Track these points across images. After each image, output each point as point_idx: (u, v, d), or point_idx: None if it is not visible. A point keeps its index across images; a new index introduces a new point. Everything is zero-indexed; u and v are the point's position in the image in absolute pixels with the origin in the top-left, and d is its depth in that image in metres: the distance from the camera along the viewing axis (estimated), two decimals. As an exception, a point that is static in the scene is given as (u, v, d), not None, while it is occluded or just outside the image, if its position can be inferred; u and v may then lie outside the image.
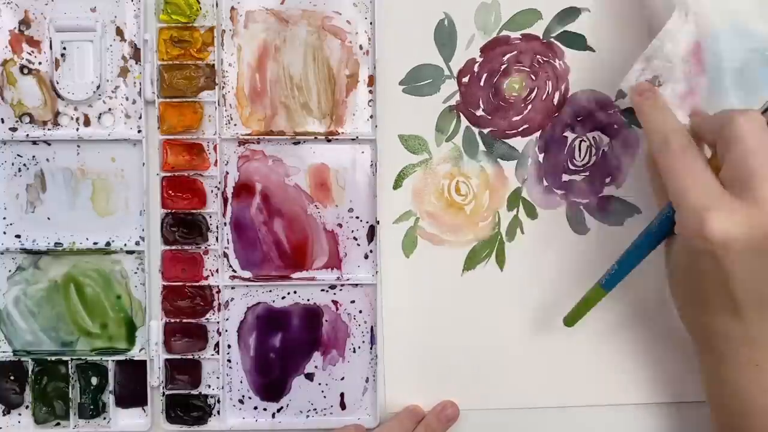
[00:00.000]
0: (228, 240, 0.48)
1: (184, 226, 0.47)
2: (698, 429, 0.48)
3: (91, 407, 0.48)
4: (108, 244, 0.48)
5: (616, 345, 0.48)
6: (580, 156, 0.48)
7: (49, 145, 0.47)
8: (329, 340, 0.48)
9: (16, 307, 0.48)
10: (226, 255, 0.48)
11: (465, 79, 0.47)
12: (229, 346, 0.48)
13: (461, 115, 0.47)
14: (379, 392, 0.48)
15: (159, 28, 0.46)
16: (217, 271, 0.47)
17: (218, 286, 0.47)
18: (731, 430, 0.41)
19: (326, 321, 0.48)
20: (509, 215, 0.48)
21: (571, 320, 0.45)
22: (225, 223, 0.47)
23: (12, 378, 0.48)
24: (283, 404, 0.48)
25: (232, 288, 0.48)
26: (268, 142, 0.47)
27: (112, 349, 0.48)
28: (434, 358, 0.48)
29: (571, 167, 0.48)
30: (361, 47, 0.47)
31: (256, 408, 0.48)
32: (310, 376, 0.48)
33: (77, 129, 0.47)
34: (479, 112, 0.48)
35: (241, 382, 0.48)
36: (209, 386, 0.48)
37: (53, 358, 0.47)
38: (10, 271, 0.48)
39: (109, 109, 0.47)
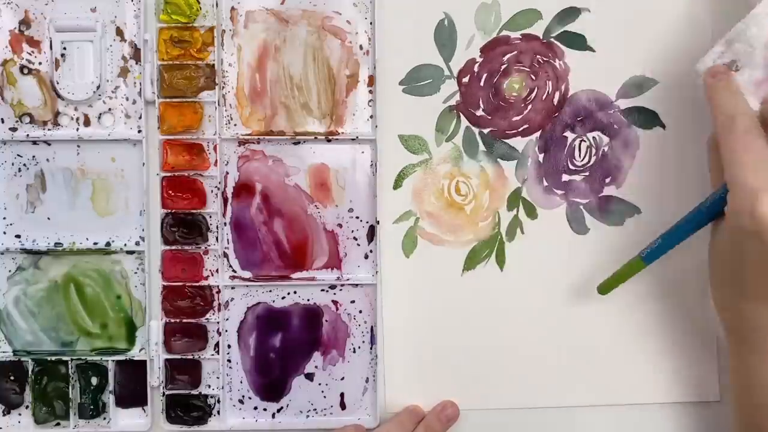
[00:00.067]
0: (228, 240, 0.48)
1: (184, 226, 0.47)
2: (699, 429, 0.48)
3: (91, 407, 0.48)
4: (108, 244, 0.48)
5: (616, 345, 0.48)
6: (580, 156, 0.48)
7: (49, 145, 0.47)
8: (329, 340, 0.48)
9: (16, 307, 0.48)
10: (226, 255, 0.48)
11: (465, 79, 0.47)
12: (229, 346, 0.48)
13: (461, 115, 0.47)
14: (379, 392, 0.48)
15: (159, 28, 0.46)
16: (217, 271, 0.47)
17: (218, 286, 0.47)
18: (754, 426, 0.41)
19: (326, 321, 0.48)
20: (509, 215, 0.48)
21: (605, 289, 0.46)
22: (225, 223, 0.47)
23: (12, 378, 0.48)
24: (283, 404, 0.48)
25: (232, 288, 0.48)
26: (268, 142, 0.47)
27: (112, 349, 0.48)
28: (434, 358, 0.48)
29: (571, 167, 0.48)
30: (361, 47, 0.47)
31: (256, 408, 0.48)
32: (310, 376, 0.48)
33: (77, 129, 0.47)
34: (479, 112, 0.48)
35: (241, 382, 0.48)
36: (209, 386, 0.48)
37: (53, 358, 0.47)
38: (10, 271, 0.48)
39: (109, 109, 0.47)
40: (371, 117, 0.47)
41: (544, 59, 0.47)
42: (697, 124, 0.47)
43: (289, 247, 0.48)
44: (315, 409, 0.48)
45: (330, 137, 0.47)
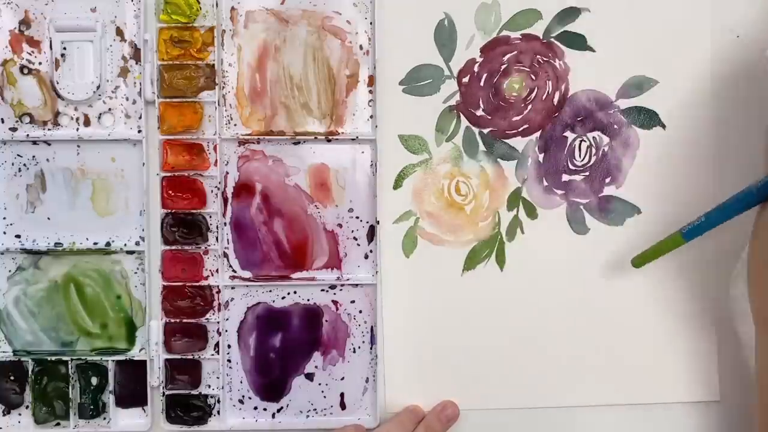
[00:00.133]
0: (228, 240, 0.48)
1: (184, 226, 0.47)
2: (699, 429, 0.48)
3: (91, 407, 0.48)
4: (108, 244, 0.48)
5: (616, 345, 0.48)
6: (580, 156, 0.48)
7: (49, 145, 0.47)
8: (329, 340, 0.48)
9: (16, 307, 0.48)
10: (226, 255, 0.48)
11: (465, 79, 0.47)
12: (229, 346, 0.48)
13: (461, 115, 0.48)
14: (379, 392, 0.48)
15: (159, 28, 0.46)
16: (217, 271, 0.47)
17: (218, 286, 0.47)
18: None
19: (326, 321, 0.48)
20: (509, 215, 0.48)
21: (639, 262, 0.45)
22: (225, 223, 0.47)
23: (12, 378, 0.48)
24: (283, 404, 0.48)
25: (232, 288, 0.48)
26: (268, 142, 0.47)
27: (112, 349, 0.48)
28: (434, 358, 0.48)
29: (571, 167, 0.48)
30: (361, 47, 0.47)
31: (256, 408, 0.48)
32: (310, 376, 0.48)
33: (77, 129, 0.47)
34: (479, 112, 0.48)
35: (241, 382, 0.48)
36: (209, 386, 0.48)
37: (53, 358, 0.47)
38: (10, 271, 0.48)
39: (109, 109, 0.47)
40: (371, 117, 0.47)
41: (544, 59, 0.47)
42: (697, 124, 0.47)
43: (289, 247, 0.48)
44: (315, 409, 0.48)
45: (330, 137, 0.47)
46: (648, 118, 0.48)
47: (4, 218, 0.47)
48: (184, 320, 0.47)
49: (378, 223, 0.47)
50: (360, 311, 0.48)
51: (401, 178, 0.48)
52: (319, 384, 0.48)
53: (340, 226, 0.48)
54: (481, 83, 0.47)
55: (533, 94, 0.47)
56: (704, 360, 0.48)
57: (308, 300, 0.48)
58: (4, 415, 0.48)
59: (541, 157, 0.48)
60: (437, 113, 0.47)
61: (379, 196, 0.47)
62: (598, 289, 0.48)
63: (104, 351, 0.48)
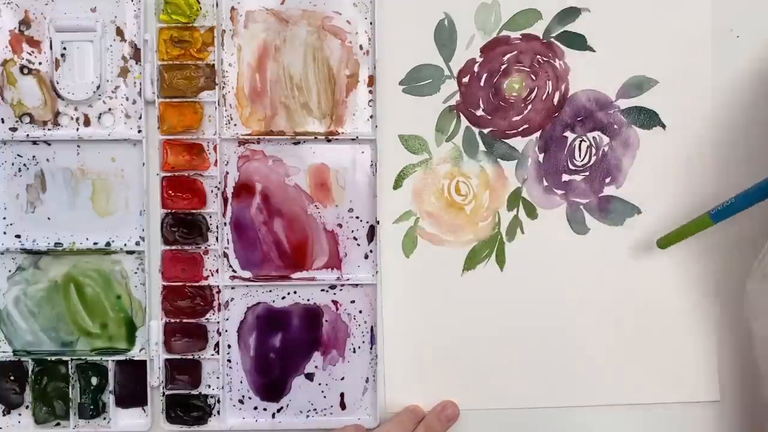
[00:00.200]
0: (228, 240, 0.48)
1: (184, 226, 0.47)
2: (699, 429, 0.48)
3: (91, 407, 0.48)
4: (108, 244, 0.48)
5: (617, 345, 0.48)
6: (580, 156, 0.48)
7: (49, 145, 0.47)
8: (329, 340, 0.48)
9: (16, 307, 0.48)
10: (226, 255, 0.48)
11: (465, 79, 0.47)
12: (229, 346, 0.48)
13: (461, 115, 0.48)
14: (379, 392, 0.48)
15: (159, 28, 0.46)
16: (217, 271, 0.47)
17: (218, 286, 0.47)
18: None
19: (326, 321, 0.48)
20: (509, 215, 0.48)
21: (665, 243, 0.45)
22: (225, 223, 0.47)
23: (12, 378, 0.48)
24: (283, 404, 0.48)
25: (232, 288, 0.48)
26: (268, 142, 0.47)
27: (112, 349, 0.48)
28: (434, 358, 0.48)
29: (571, 167, 0.48)
30: (361, 47, 0.47)
31: (256, 408, 0.48)
32: (310, 376, 0.48)
33: (77, 129, 0.47)
34: (479, 112, 0.48)
35: (241, 382, 0.48)
36: (209, 386, 0.48)
37: (53, 358, 0.47)
38: (10, 271, 0.48)
39: (109, 109, 0.47)
40: (371, 117, 0.47)
41: (544, 59, 0.47)
42: (697, 124, 0.47)
43: (289, 247, 0.48)
44: (315, 409, 0.48)
45: (330, 137, 0.47)
46: (648, 118, 0.48)
47: (4, 218, 0.47)
48: (184, 320, 0.47)
49: (378, 223, 0.47)
50: (360, 311, 0.48)
51: (401, 178, 0.48)
52: (319, 384, 0.48)
53: (340, 226, 0.48)
54: (481, 83, 0.47)
55: (533, 94, 0.47)
56: (704, 360, 0.48)
57: (308, 300, 0.48)
58: (4, 415, 0.48)
59: (541, 157, 0.48)
60: (437, 113, 0.47)
61: (379, 196, 0.47)
62: (598, 290, 0.48)
63: (104, 351, 0.48)
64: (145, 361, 0.48)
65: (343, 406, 0.48)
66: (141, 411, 0.48)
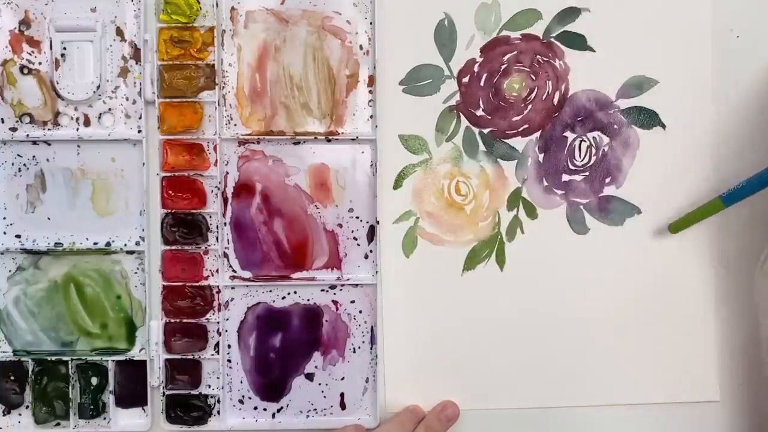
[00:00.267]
0: (228, 240, 0.48)
1: (184, 226, 0.47)
2: (699, 429, 0.48)
3: (91, 407, 0.48)
4: (108, 244, 0.48)
5: (617, 345, 0.48)
6: (580, 156, 0.48)
7: (49, 145, 0.47)
8: (329, 340, 0.48)
9: (16, 307, 0.48)
10: (226, 255, 0.48)
11: (465, 79, 0.47)
12: (229, 346, 0.48)
13: (461, 115, 0.48)
14: (379, 392, 0.48)
15: (159, 28, 0.46)
16: (217, 271, 0.47)
17: (218, 286, 0.47)
18: None
19: (326, 321, 0.48)
20: (509, 215, 0.48)
21: (677, 227, 0.46)
22: (225, 223, 0.47)
23: (12, 378, 0.48)
24: (283, 404, 0.48)
25: (232, 288, 0.48)
26: (268, 142, 0.47)
27: (112, 349, 0.48)
28: (434, 358, 0.48)
29: (571, 167, 0.48)
30: (361, 47, 0.47)
31: (256, 408, 0.48)
32: (310, 376, 0.48)
33: (77, 129, 0.47)
34: (479, 112, 0.48)
35: (241, 382, 0.48)
36: (209, 386, 0.48)
37: (53, 358, 0.47)
38: (10, 271, 0.48)
39: (109, 109, 0.47)
40: (371, 117, 0.47)
41: (544, 59, 0.47)
42: (697, 124, 0.47)
43: (289, 247, 0.48)
44: (315, 409, 0.48)
45: (330, 137, 0.47)
46: (648, 118, 0.48)
47: (4, 218, 0.47)
48: (184, 320, 0.47)
49: (378, 223, 0.47)
50: (360, 311, 0.48)
51: (401, 178, 0.48)
52: (319, 384, 0.48)
53: (340, 226, 0.48)
54: (481, 83, 0.47)
55: (533, 94, 0.47)
56: (704, 360, 0.48)
57: (308, 300, 0.48)
58: (4, 415, 0.48)
59: (541, 157, 0.48)
60: (437, 113, 0.47)
61: (379, 196, 0.47)
62: (598, 290, 0.48)
63: (104, 351, 0.48)
64: (145, 361, 0.48)
65: (343, 406, 0.48)
66: (141, 411, 0.48)
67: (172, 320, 0.47)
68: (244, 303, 0.48)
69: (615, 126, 0.48)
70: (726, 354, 0.48)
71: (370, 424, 0.48)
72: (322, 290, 0.48)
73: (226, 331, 0.48)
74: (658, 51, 0.47)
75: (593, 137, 0.48)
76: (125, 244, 0.47)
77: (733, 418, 0.48)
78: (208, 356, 0.48)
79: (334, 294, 0.48)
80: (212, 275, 0.47)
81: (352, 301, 0.48)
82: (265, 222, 0.48)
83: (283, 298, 0.48)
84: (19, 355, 0.48)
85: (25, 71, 0.47)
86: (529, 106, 0.48)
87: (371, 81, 0.47)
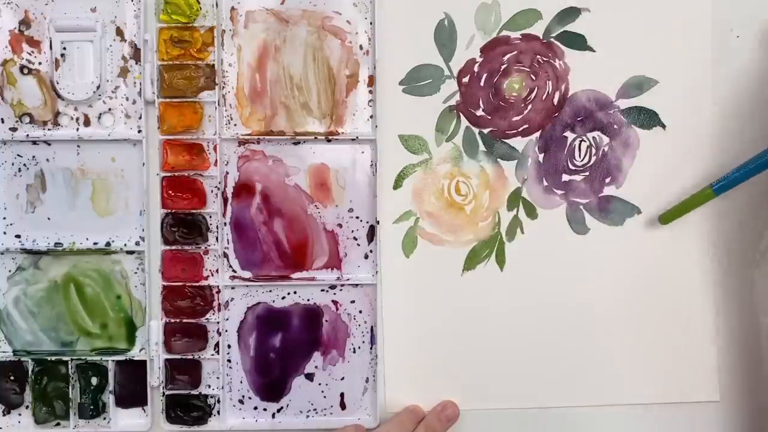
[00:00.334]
0: (228, 240, 0.48)
1: (184, 226, 0.47)
2: (699, 429, 0.48)
3: (91, 407, 0.48)
4: (108, 244, 0.48)
5: (617, 345, 0.48)
6: (580, 156, 0.48)
7: (49, 145, 0.47)
8: (329, 340, 0.48)
9: (16, 307, 0.48)
10: (226, 255, 0.48)
11: (465, 79, 0.47)
12: (229, 346, 0.48)
13: (461, 115, 0.48)
14: (379, 392, 0.48)
15: (159, 28, 0.46)
16: (217, 271, 0.47)
17: (218, 286, 0.47)
18: None
19: (326, 321, 0.48)
20: (509, 215, 0.48)
21: (667, 218, 0.46)
22: (225, 223, 0.47)
23: (12, 378, 0.48)
24: (283, 404, 0.48)
25: (232, 288, 0.48)
26: (268, 142, 0.47)
27: (112, 349, 0.48)
28: (434, 358, 0.48)
29: (571, 167, 0.48)
30: (361, 47, 0.47)
31: (256, 408, 0.48)
32: (310, 376, 0.48)
33: (77, 129, 0.47)
34: (479, 112, 0.48)
35: (241, 382, 0.48)
36: (209, 386, 0.48)
37: (53, 358, 0.47)
38: (10, 271, 0.48)
39: (109, 109, 0.47)
40: (371, 117, 0.47)
41: (544, 59, 0.47)
42: (697, 124, 0.47)
43: (289, 247, 0.48)
44: (315, 409, 0.48)
45: (330, 137, 0.47)
46: (648, 118, 0.48)
47: (4, 218, 0.47)
48: (184, 320, 0.47)
49: (378, 223, 0.47)
50: (360, 311, 0.48)
51: (401, 178, 0.48)
52: (319, 384, 0.48)
53: (340, 226, 0.48)
54: (481, 83, 0.47)
55: (533, 94, 0.47)
56: (704, 360, 0.48)
57: (308, 300, 0.48)
58: (4, 415, 0.48)
59: (541, 157, 0.48)
60: (437, 113, 0.47)
61: (379, 196, 0.47)
62: (598, 289, 0.48)
63: (104, 351, 0.48)
64: (145, 361, 0.48)
65: (343, 406, 0.48)
66: (141, 411, 0.48)
67: (172, 320, 0.47)
68: (244, 303, 0.48)
69: (615, 126, 0.48)
70: (725, 354, 0.48)
71: (370, 424, 0.48)
72: (322, 290, 0.48)
73: (226, 331, 0.48)
74: (657, 51, 0.47)
75: (593, 137, 0.48)
76: (125, 244, 0.47)
77: (732, 417, 0.48)
78: (208, 356, 0.48)
79: (334, 294, 0.48)
80: (212, 275, 0.47)
81: (352, 301, 0.48)
82: (265, 222, 0.48)
83: (283, 298, 0.48)
84: (19, 355, 0.48)
85: (25, 71, 0.47)
86: (529, 106, 0.48)
87: (371, 81, 0.47)
